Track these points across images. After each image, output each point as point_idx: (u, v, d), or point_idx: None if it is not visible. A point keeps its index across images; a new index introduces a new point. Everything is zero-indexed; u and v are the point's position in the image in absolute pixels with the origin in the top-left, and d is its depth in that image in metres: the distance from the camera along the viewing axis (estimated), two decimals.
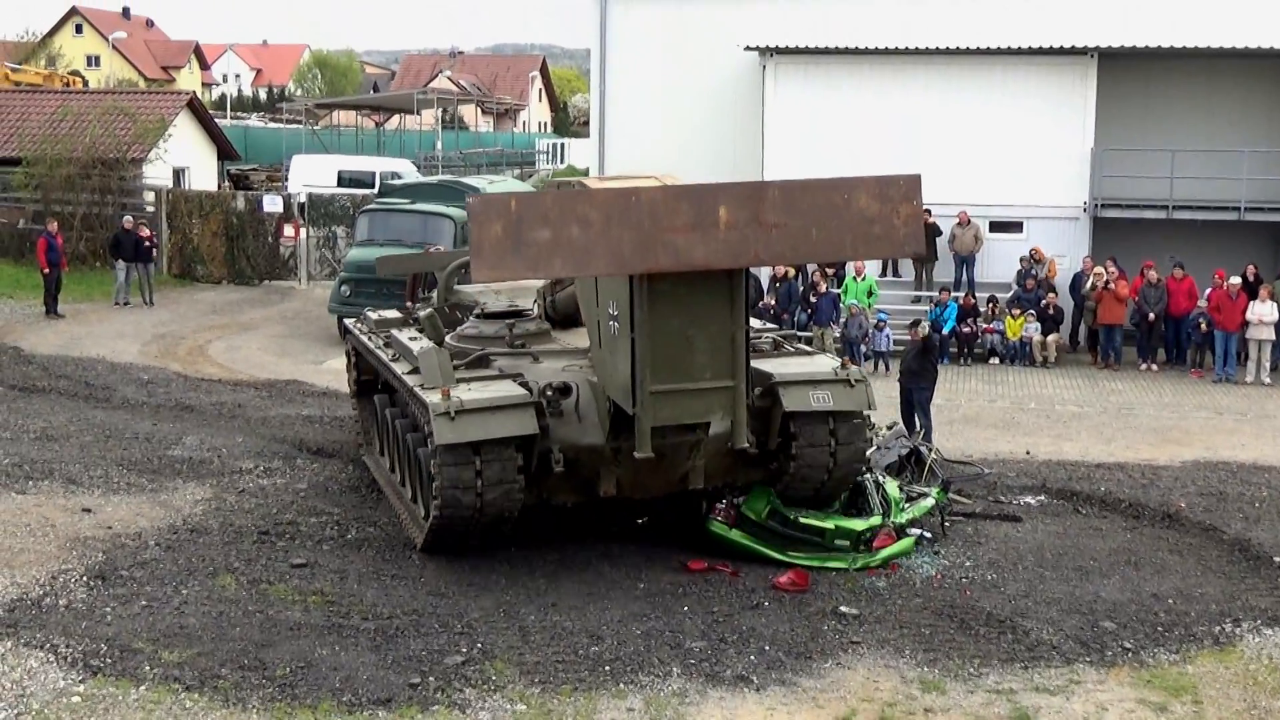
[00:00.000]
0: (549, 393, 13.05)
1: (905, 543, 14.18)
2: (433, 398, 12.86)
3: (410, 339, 15.28)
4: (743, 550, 13.90)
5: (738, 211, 11.35)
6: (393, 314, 17.68)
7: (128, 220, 32.10)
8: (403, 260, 21.64)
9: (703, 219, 11.28)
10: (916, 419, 19.11)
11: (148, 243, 31.83)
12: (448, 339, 15.13)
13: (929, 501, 15.04)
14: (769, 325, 18.08)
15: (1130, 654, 11.62)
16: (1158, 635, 12.07)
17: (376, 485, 16.31)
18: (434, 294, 17.77)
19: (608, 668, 10.86)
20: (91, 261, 34.97)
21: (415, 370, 14.01)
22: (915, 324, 20.56)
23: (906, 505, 14.77)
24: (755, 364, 13.59)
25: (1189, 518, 15.81)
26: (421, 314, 16.21)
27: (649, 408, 12.07)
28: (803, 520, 14.00)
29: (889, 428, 17.68)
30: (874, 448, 15.87)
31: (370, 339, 16.72)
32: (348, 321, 18.98)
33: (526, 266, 11.21)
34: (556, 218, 11.08)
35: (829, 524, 13.98)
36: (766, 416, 13.77)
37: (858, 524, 14.05)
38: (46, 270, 29.31)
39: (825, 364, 14.51)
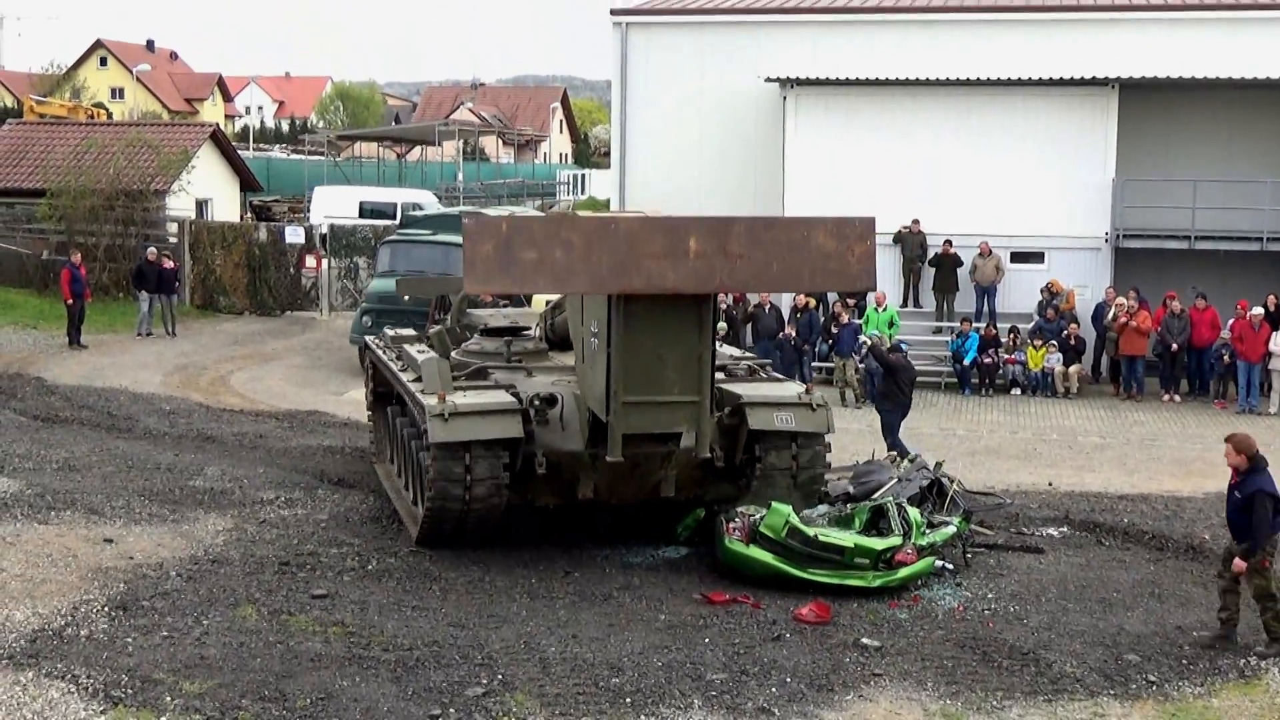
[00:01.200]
0: (536, 402, 14.20)
1: (925, 562, 14.17)
2: (429, 401, 14.08)
3: (419, 352, 16.61)
4: (761, 569, 13.94)
5: (706, 242, 12.54)
6: (409, 333, 18.94)
7: (151, 252, 32.24)
8: (421, 283, 23.27)
9: (675, 248, 12.48)
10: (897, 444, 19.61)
11: (171, 274, 32.02)
12: (453, 354, 16.47)
13: (951, 529, 14.99)
14: (747, 354, 18.83)
15: (1155, 687, 11.54)
16: (1182, 668, 11.99)
17: (398, 517, 16.34)
18: (448, 316, 18.85)
19: (629, 700, 10.82)
20: (114, 292, 35.12)
21: (419, 378, 15.35)
22: (895, 349, 21.21)
23: (928, 530, 14.74)
24: (728, 387, 15.09)
25: (1213, 550, 15.67)
26: (431, 331, 17.76)
27: (621, 416, 13.32)
28: (822, 538, 14.00)
29: (910, 460, 17.62)
30: (895, 480, 15.87)
31: (385, 353, 18.10)
32: (368, 339, 20.20)
33: (514, 282, 12.64)
34: (542, 240, 12.33)
35: (849, 542, 13.98)
36: (735, 434, 14.81)
37: (878, 543, 14.07)
38: (70, 301, 29.43)
39: (791, 389, 15.66)
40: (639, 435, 13.59)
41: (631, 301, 12.88)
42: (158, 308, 31.75)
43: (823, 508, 15.10)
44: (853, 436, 22.12)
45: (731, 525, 14.21)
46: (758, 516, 14.25)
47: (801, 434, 15.03)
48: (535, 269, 12.26)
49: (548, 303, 18.37)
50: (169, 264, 32.21)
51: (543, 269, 12.27)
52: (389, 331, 19.24)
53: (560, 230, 12.48)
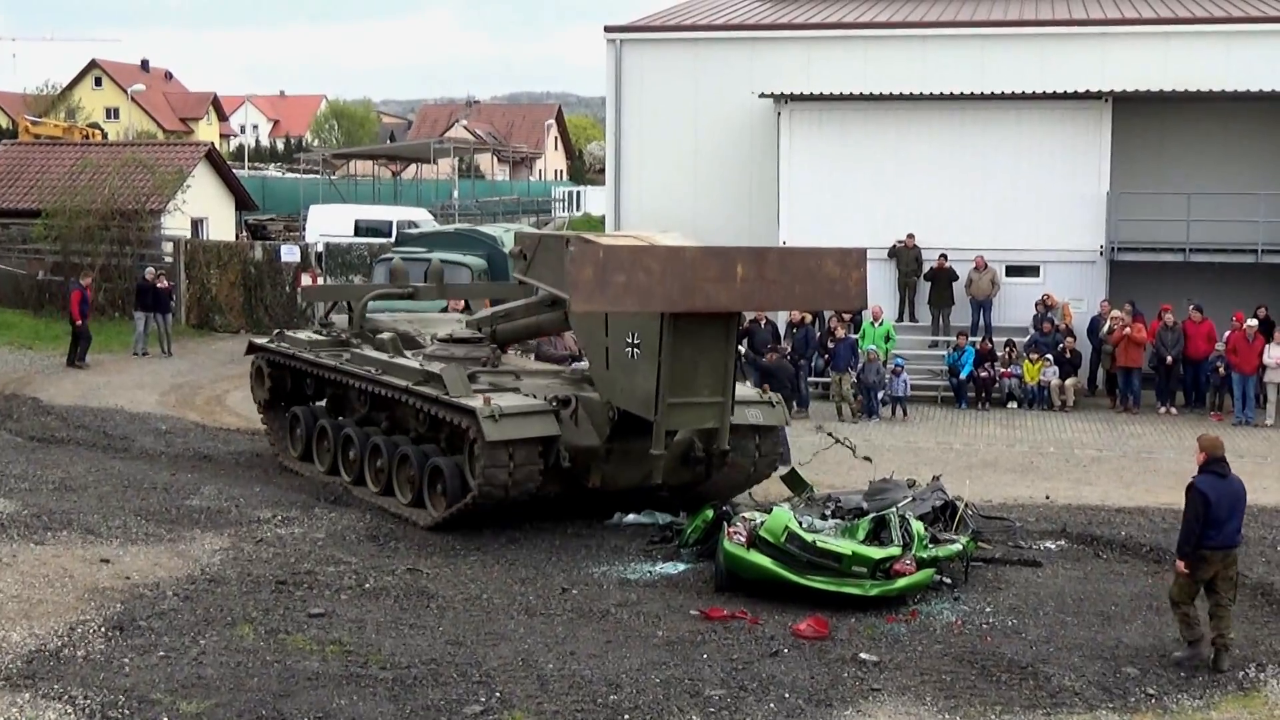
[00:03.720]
0: (554, 403, 16.29)
1: (924, 574, 14.16)
2: (474, 403, 15.89)
3: (393, 358, 18.35)
4: (759, 573, 13.99)
5: (749, 269, 14.66)
6: (305, 335, 20.93)
7: (149, 271, 32.24)
8: (324, 290, 25.95)
9: (726, 273, 14.51)
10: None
11: (165, 293, 31.99)
12: (409, 355, 18.41)
13: (956, 547, 14.96)
14: None
15: (1154, 700, 11.53)
16: (1181, 681, 11.97)
17: (395, 535, 16.34)
18: (336, 317, 21.06)
19: (627, 716, 10.79)
20: (110, 312, 35.10)
21: (423, 382, 17.08)
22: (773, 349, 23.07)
23: (932, 545, 14.72)
24: None
25: None
26: (384, 336, 19.22)
27: (666, 415, 15.25)
28: (820, 545, 14.03)
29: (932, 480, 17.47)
30: (909, 499, 15.87)
31: (315, 355, 19.63)
32: (259, 340, 21.75)
33: (609, 301, 14.40)
34: (629, 265, 14.18)
35: (847, 550, 14.01)
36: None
37: (876, 552, 14.10)
38: (79, 322, 29.41)
39: (749, 389, 18.13)
40: (633, 431, 15.72)
41: (679, 317, 14.82)
42: (153, 327, 31.72)
43: (833, 521, 15.11)
44: (849, 451, 22.08)
45: (733, 529, 14.33)
46: (759, 521, 14.36)
47: (763, 427, 17.41)
48: (625, 290, 14.12)
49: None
50: (164, 283, 32.18)
51: (630, 290, 14.15)
52: (299, 335, 20.94)
53: (643, 258, 14.32)
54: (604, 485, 16.81)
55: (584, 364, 17.89)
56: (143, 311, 31.47)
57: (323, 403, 20.35)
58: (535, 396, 16.55)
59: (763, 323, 27.22)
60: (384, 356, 18.58)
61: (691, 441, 16.47)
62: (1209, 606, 12.55)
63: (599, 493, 17.01)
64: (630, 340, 15.53)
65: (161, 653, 11.76)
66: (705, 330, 15.17)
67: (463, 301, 23.60)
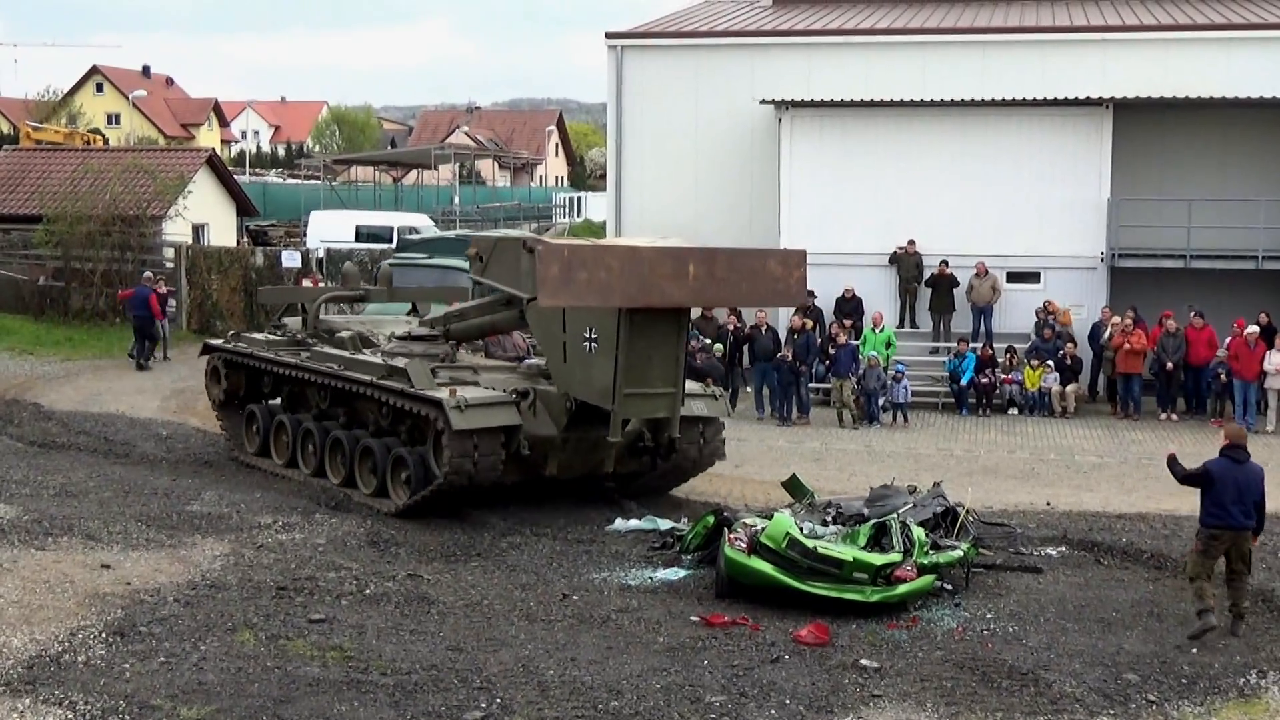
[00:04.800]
0: (514, 395, 17.18)
1: (925, 580, 14.17)
2: (442, 394, 16.81)
3: (354, 355, 19.08)
4: (760, 579, 13.98)
5: (701, 268, 15.82)
6: (262, 336, 21.78)
7: (147, 276, 32.21)
8: (280, 292, 26.88)
9: (679, 272, 15.66)
10: None
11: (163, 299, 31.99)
12: (366, 353, 19.14)
13: (957, 553, 14.95)
14: None
15: (1154, 706, 11.52)
16: (1182, 688, 11.96)
17: (395, 541, 16.35)
18: (286, 319, 21.92)
19: None
20: (111, 318, 35.10)
21: (388, 376, 17.92)
22: (707, 349, 24.28)
23: (932, 551, 14.72)
24: None
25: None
26: (345, 335, 19.89)
27: (623, 404, 16.32)
28: (821, 551, 14.03)
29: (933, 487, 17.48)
30: (910, 505, 15.87)
31: (275, 354, 20.39)
32: (214, 341, 22.63)
33: (573, 296, 15.39)
34: (592, 263, 15.21)
35: (848, 556, 14.01)
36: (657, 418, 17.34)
37: (877, 558, 14.11)
38: (162, 319, 30.66)
39: (693, 383, 18.79)
40: (587, 421, 16.77)
41: (635, 313, 15.78)
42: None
43: (834, 527, 15.11)
44: (850, 457, 22.12)
45: (734, 535, 14.33)
46: (760, 527, 14.36)
47: (706, 418, 18.44)
48: (588, 286, 15.14)
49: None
50: (163, 288, 32.16)
51: (593, 286, 15.17)
52: (257, 336, 21.91)
53: (604, 256, 15.38)
54: (559, 473, 17.72)
55: (535, 361, 18.72)
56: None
57: (277, 400, 21.10)
58: (495, 389, 17.38)
59: (763, 329, 27.25)
60: (345, 354, 19.30)
61: (641, 432, 17.39)
62: (1225, 575, 13.37)
63: (554, 481, 17.84)
64: (588, 335, 16.49)
65: (162, 658, 11.75)
66: (659, 325, 16.16)
67: None
